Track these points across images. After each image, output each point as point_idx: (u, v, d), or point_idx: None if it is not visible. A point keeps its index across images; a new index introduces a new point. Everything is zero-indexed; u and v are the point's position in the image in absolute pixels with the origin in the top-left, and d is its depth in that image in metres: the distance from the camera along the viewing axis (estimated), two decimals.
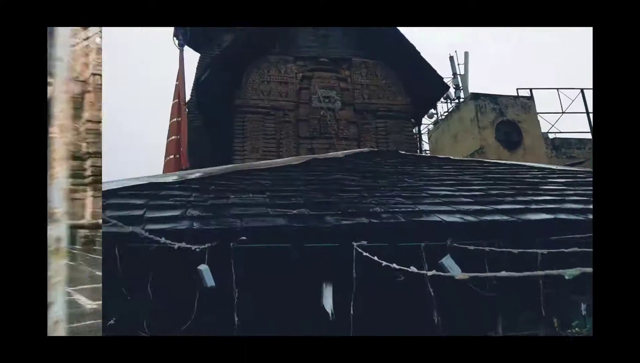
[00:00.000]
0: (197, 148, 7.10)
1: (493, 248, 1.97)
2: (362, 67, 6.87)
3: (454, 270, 2.08)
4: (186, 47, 7.70)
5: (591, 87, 14.76)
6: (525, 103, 13.43)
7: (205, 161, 6.10)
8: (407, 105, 6.86)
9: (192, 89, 7.89)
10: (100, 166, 9.53)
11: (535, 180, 3.35)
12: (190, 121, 7.43)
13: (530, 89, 13.78)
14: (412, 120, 7.44)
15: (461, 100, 14.56)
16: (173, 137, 6.43)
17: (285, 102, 6.51)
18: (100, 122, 10.07)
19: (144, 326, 1.89)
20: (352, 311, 1.99)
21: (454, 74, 15.42)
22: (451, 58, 15.79)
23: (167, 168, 6.20)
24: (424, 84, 6.85)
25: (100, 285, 2.12)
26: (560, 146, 13.13)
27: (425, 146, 14.53)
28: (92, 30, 9.91)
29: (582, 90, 14.36)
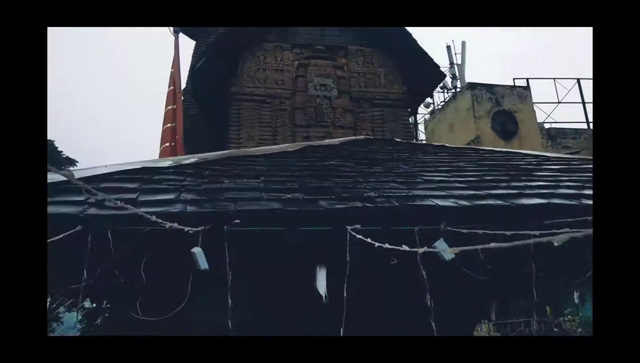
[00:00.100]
0: (192, 136, 7.06)
1: (486, 231, 1.97)
2: (358, 55, 6.83)
3: (447, 254, 2.09)
4: (181, 35, 7.62)
5: (588, 77, 14.77)
6: (522, 93, 13.43)
7: (201, 149, 6.06)
8: (404, 94, 6.84)
9: (188, 77, 7.84)
10: None
11: (530, 167, 3.36)
12: (186, 109, 7.38)
13: (527, 79, 13.78)
14: (409, 109, 7.44)
15: (458, 90, 14.54)
16: (168, 125, 6.39)
17: (281, 90, 6.47)
18: None
19: (137, 308, 1.90)
20: (345, 294, 2.00)
21: (451, 63, 15.38)
22: (448, 48, 15.74)
23: (163, 156, 6.16)
24: (421, 73, 6.83)
25: None
26: (556, 136, 13.17)
27: (422, 136, 14.54)
28: None
29: (578, 80, 14.38)
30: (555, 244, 1.08)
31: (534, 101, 13.43)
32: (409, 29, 6.85)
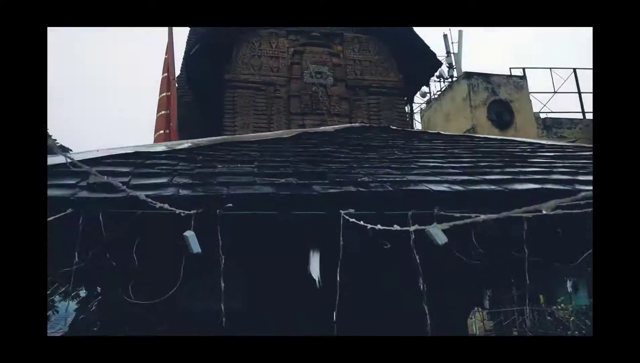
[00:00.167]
0: (187, 123, 7.02)
1: (479, 214, 1.97)
2: (354, 42, 6.78)
3: (440, 239, 2.10)
4: None
5: (584, 67, 14.76)
6: (518, 82, 13.42)
7: (196, 136, 6.00)
8: (400, 82, 6.81)
9: (182, 64, 7.76)
10: None
11: (525, 154, 3.36)
12: (180, 97, 7.32)
13: (523, 69, 13.75)
14: (405, 98, 7.41)
15: (454, 79, 14.50)
16: (162, 112, 6.33)
17: (276, 77, 6.42)
18: None
19: (129, 292, 1.89)
20: (338, 279, 2.00)
21: (448, 52, 15.31)
22: (445, 36, 15.65)
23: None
24: (417, 61, 6.79)
25: None
26: (552, 126, 13.19)
27: (418, 125, 14.53)
28: None
29: (574, 70, 14.36)
30: (544, 212, 1.08)
31: (530, 90, 13.42)
32: None
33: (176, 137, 6.23)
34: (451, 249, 2.15)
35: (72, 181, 2.02)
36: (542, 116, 13.82)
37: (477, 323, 12.94)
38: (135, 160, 2.45)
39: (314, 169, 2.52)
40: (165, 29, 6.80)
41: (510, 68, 13.76)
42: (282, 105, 6.37)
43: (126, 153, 2.53)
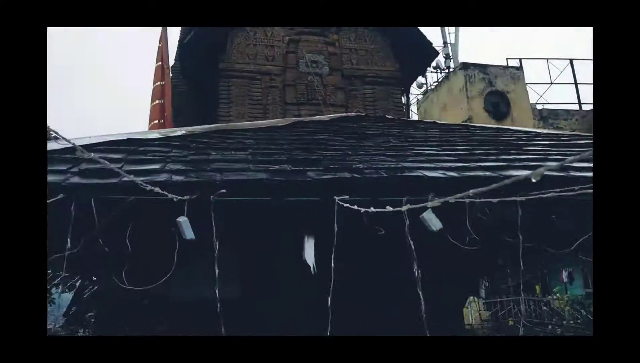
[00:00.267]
0: (181, 113, 6.97)
1: (473, 199, 1.97)
2: (350, 31, 6.72)
3: (435, 225, 2.09)
4: None
5: (581, 58, 14.74)
6: (515, 73, 13.38)
7: (191, 126, 5.99)
8: (396, 71, 6.77)
9: (176, 53, 7.68)
10: None
11: (520, 142, 3.36)
12: (175, 86, 7.25)
13: (520, 59, 13.72)
14: (401, 87, 7.38)
15: (451, 70, 14.45)
16: (157, 101, 6.28)
17: (271, 66, 6.37)
18: None
19: (122, 278, 1.88)
20: (333, 264, 1.99)
21: (445, 42, 15.24)
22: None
23: None
24: (413, 50, 6.75)
25: None
26: (548, 117, 13.19)
27: (414, 117, 14.50)
28: None
29: (571, 60, 14.34)
30: (533, 180, 1.08)
31: (526, 81, 13.40)
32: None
33: (171, 127, 6.18)
34: (446, 235, 2.15)
35: (64, 167, 2.00)
36: (539, 107, 13.82)
37: (474, 313, 13.04)
38: (128, 147, 2.42)
39: (308, 156, 2.51)
40: None
41: (507, 59, 13.72)
42: (278, 95, 6.32)
43: (118, 140, 2.50)
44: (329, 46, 6.62)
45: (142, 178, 1.93)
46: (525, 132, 3.88)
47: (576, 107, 13.84)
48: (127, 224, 1.87)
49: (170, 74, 6.92)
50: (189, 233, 1.87)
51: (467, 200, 2.02)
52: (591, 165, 2.59)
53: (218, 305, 1.89)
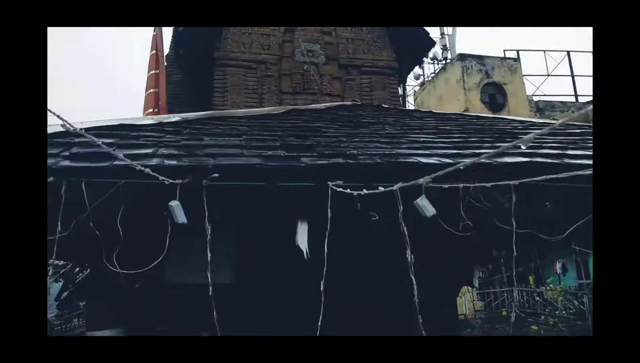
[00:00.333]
0: (176, 102, 6.92)
1: (467, 184, 1.97)
2: None
3: (429, 211, 2.09)
4: None
5: (578, 49, 14.72)
6: (512, 65, 13.38)
7: None
8: (393, 61, 6.72)
9: (171, 42, 7.61)
10: None
11: (515, 131, 3.35)
12: (169, 75, 7.19)
13: (517, 51, 13.69)
14: (398, 78, 7.34)
15: (448, 61, 14.41)
16: (151, 90, 6.21)
17: (267, 55, 6.31)
18: None
19: (113, 261, 1.87)
20: (326, 249, 1.99)
21: (442, 33, 15.18)
22: None
23: None
24: (410, 40, 6.70)
25: None
26: (544, 109, 13.21)
27: (411, 108, 14.47)
28: None
29: (568, 52, 14.33)
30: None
31: (523, 73, 13.40)
32: None
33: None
34: (440, 222, 2.15)
35: (55, 151, 1.97)
36: (535, 98, 13.82)
37: (467, 303, 13.13)
38: (120, 132, 2.40)
39: (303, 142, 2.49)
40: None
41: (504, 50, 13.70)
42: (274, 84, 6.27)
43: (111, 125, 2.48)
44: (325, 35, 6.56)
45: (134, 162, 1.91)
46: (521, 122, 3.88)
47: (573, 99, 13.86)
48: (119, 208, 1.85)
49: (165, 63, 6.86)
50: (181, 217, 1.85)
51: (461, 185, 2.02)
52: (585, 153, 2.60)
53: (210, 290, 1.88)
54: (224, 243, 2.45)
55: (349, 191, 1.82)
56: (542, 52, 14.51)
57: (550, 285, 11.87)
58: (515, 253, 2.17)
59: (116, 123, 2.54)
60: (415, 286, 1.99)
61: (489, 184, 1.92)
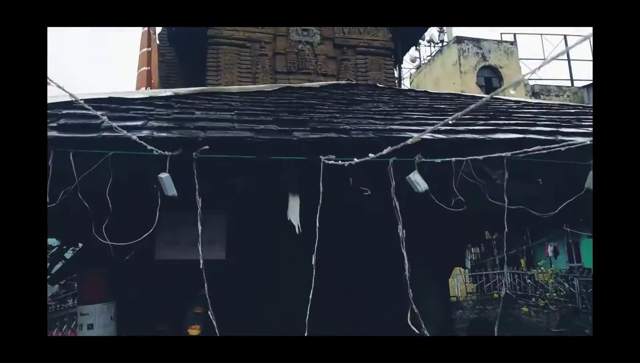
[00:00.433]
0: (169, 81, 6.83)
1: (459, 158, 1.96)
2: None
3: (421, 186, 2.08)
4: None
5: (575, 34, 14.63)
6: (509, 48, 13.29)
7: None
8: (389, 41, 6.65)
9: None
10: None
11: (510, 110, 3.34)
12: (162, 54, 7.08)
13: (514, 34, 13.59)
14: (394, 59, 7.27)
15: (444, 43, 14.28)
16: (143, 68, 6.12)
17: (261, 34, 6.22)
18: None
19: (103, 233, 1.85)
20: (317, 224, 1.98)
21: None
22: None
23: None
24: None
25: None
26: (540, 93, 13.18)
27: None
28: None
29: (565, 37, 14.24)
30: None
31: (520, 56, 13.32)
32: None
33: None
34: (431, 198, 2.15)
35: None
36: (531, 82, 13.78)
37: (459, 286, 13.30)
38: (109, 105, 2.36)
39: (296, 118, 2.47)
40: None
41: (501, 33, 13.60)
42: (268, 63, 6.20)
43: (100, 98, 2.43)
44: None
45: (123, 133, 1.88)
46: (516, 102, 3.86)
47: (568, 83, 13.83)
48: (107, 180, 1.82)
49: (158, 41, 6.74)
50: (171, 190, 1.84)
51: (454, 159, 2.01)
52: (579, 131, 2.59)
53: (201, 262, 1.87)
54: (216, 219, 2.44)
55: (340, 162, 1.81)
56: (539, 35, 14.41)
57: (542, 268, 12.03)
58: (506, 229, 2.17)
59: (105, 96, 2.50)
60: (406, 260, 2.00)
61: (481, 157, 1.91)
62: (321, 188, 2.01)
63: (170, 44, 7.00)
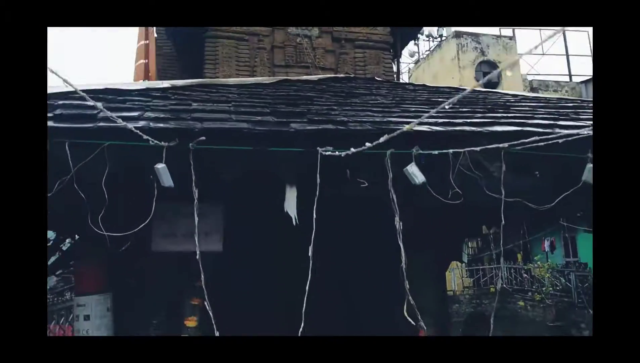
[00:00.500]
0: (167, 75, 6.80)
1: (456, 149, 1.96)
2: None
3: (418, 178, 2.08)
4: None
5: (574, 29, 14.61)
6: (507, 43, 13.27)
7: None
8: (387, 35, 6.63)
9: None
10: None
11: (508, 104, 3.34)
12: (160, 47, 7.04)
13: (513, 29, 13.56)
14: (393, 53, 7.25)
15: (443, 38, 14.25)
16: (141, 61, 6.09)
17: (260, 27, 6.18)
18: None
19: (99, 224, 1.85)
20: (315, 215, 1.98)
21: None
22: None
23: None
24: None
25: None
26: (538, 88, 13.17)
27: None
28: None
29: (563, 32, 14.20)
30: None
31: (518, 51, 13.31)
32: None
33: None
34: (428, 190, 2.14)
35: None
36: (530, 77, 13.78)
37: (456, 280, 13.35)
38: (106, 96, 2.34)
39: (293, 110, 2.46)
40: None
41: (499, 28, 13.56)
42: (266, 56, 6.17)
43: (96, 89, 2.42)
44: None
45: (119, 124, 1.87)
46: (514, 95, 3.86)
47: (566, 78, 13.83)
48: (103, 171, 1.82)
49: (155, 34, 6.70)
50: (167, 181, 1.83)
51: (451, 151, 2.01)
52: (577, 124, 2.59)
53: (197, 253, 1.87)
54: (213, 211, 2.43)
55: (337, 153, 1.80)
56: (538, 30, 14.38)
57: (538, 263, 12.08)
58: (503, 221, 2.17)
59: (102, 88, 2.49)
60: (403, 252, 2.00)
61: (478, 149, 1.91)
62: (318, 180, 2.00)
63: (167, 37, 6.97)
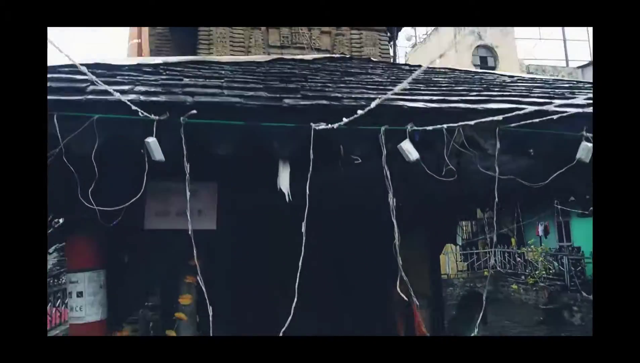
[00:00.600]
0: (160, 55, 6.69)
1: (451, 125, 1.94)
2: None
3: (412, 155, 2.06)
4: None
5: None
6: (504, 28, 13.14)
7: None
8: None
9: None
10: None
11: (504, 83, 3.31)
12: (153, 27, 6.92)
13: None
14: (389, 35, 7.17)
15: None
16: (134, 41, 6.01)
17: (259, 26, 6.09)
18: None
19: (89, 198, 1.83)
20: (307, 191, 1.96)
21: None
22: None
23: None
24: None
25: None
26: (535, 73, 13.11)
27: None
28: None
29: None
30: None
31: (515, 36, 13.21)
32: None
33: None
34: (422, 168, 2.13)
35: None
36: (526, 62, 13.71)
37: (451, 264, 13.47)
38: (95, 70, 2.29)
39: (287, 85, 2.43)
40: None
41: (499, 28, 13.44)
42: (261, 37, 6.09)
43: (86, 64, 2.36)
44: None
45: (109, 97, 1.84)
46: (510, 76, 3.83)
47: (563, 63, 13.78)
48: (93, 144, 1.79)
49: None
50: (158, 154, 1.81)
51: (445, 126, 1.99)
52: (572, 102, 2.57)
53: (190, 229, 1.86)
54: (206, 189, 2.42)
55: (330, 126, 1.78)
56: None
57: (532, 247, 12.19)
58: (497, 199, 2.17)
59: (92, 62, 2.44)
60: (396, 228, 2.00)
61: (472, 122, 1.90)
62: (311, 155, 1.98)
63: None
